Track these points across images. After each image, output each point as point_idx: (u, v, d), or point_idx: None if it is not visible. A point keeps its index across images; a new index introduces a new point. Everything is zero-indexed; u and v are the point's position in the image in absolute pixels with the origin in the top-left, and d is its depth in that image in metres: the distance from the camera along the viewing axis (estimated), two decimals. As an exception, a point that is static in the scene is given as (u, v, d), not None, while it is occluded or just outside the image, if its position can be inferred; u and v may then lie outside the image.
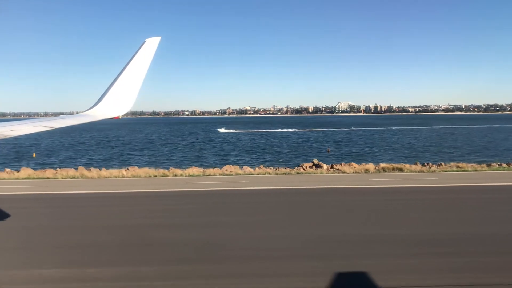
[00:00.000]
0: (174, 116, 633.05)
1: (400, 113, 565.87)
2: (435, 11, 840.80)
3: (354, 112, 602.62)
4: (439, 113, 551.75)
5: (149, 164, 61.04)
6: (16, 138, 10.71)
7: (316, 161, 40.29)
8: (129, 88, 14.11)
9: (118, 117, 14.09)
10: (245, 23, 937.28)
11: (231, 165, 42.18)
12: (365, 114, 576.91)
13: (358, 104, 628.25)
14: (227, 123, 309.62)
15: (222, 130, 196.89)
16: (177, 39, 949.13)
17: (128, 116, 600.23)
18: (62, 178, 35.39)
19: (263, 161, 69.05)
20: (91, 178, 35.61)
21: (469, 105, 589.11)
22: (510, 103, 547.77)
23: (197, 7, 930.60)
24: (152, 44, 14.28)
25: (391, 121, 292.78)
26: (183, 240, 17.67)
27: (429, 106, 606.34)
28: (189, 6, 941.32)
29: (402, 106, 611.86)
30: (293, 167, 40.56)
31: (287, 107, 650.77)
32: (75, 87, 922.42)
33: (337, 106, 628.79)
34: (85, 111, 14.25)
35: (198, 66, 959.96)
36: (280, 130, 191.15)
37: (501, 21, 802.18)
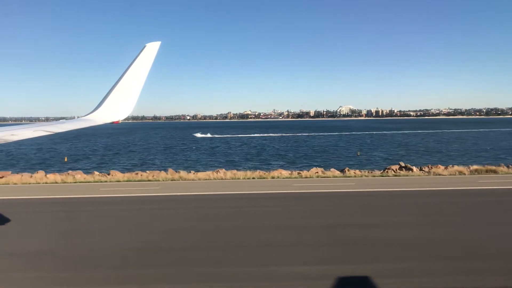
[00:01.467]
0: (176, 121, 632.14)
1: (401, 117, 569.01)
2: (436, 14, 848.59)
3: (355, 116, 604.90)
4: (442, 117, 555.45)
5: (205, 167, 61.56)
6: (16, 142, 10.75)
7: (403, 164, 40.66)
8: (129, 93, 14.17)
9: (118, 121, 14.22)
10: (244, 27, 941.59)
11: (317, 167, 42.30)
12: (367, 118, 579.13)
13: (359, 108, 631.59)
14: (237, 127, 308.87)
15: (198, 135, 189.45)
16: (178, 43, 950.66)
17: (129, 121, 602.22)
18: (164, 180, 35.57)
19: (307, 165, 68.55)
20: (192, 180, 35.78)
21: (469, 109, 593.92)
22: (510, 106, 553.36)
23: (198, 13, 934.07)
24: (152, 48, 14.32)
25: (400, 125, 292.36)
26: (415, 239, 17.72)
27: (429, 110, 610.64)
28: (190, 12, 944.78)
29: (404, 110, 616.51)
30: (380, 170, 40.87)
31: (287, 111, 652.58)
32: (76, 92, 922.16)
33: (338, 110, 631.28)
34: (85, 115, 14.33)
35: (198, 70, 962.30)
36: (294, 134, 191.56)
37: (501, 24, 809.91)
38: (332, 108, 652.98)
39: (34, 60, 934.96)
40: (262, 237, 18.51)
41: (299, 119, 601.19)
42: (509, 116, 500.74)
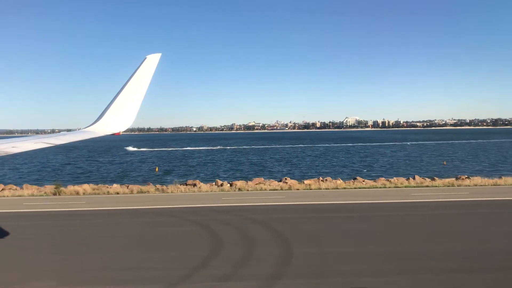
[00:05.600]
0: (182, 132, 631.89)
1: (408, 128, 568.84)
2: (441, 26, 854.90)
3: (361, 127, 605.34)
4: (449, 127, 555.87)
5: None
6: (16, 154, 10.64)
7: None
8: (130, 105, 14.09)
9: (119, 133, 14.11)
10: (248, 38, 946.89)
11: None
12: (373, 129, 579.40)
13: (365, 119, 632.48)
14: (261, 139, 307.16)
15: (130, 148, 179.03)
16: (185, 54, 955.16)
17: (136, 133, 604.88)
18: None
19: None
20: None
21: (473, 119, 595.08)
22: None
23: (200, 24, 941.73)
24: (152, 60, 14.31)
25: (424, 136, 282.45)
26: None
27: (433, 120, 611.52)
28: (192, 23, 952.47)
29: (409, 120, 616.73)
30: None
31: (290, 122, 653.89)
32: (82, 104, 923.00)
33: (344, 121, 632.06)
34: (86, 127, 14.18)
35: (203, 82, 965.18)
36: (315, 145, 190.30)
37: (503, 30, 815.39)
38: (336, 118, 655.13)
39: (40, 72, 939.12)
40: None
41: (305, 130, 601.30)
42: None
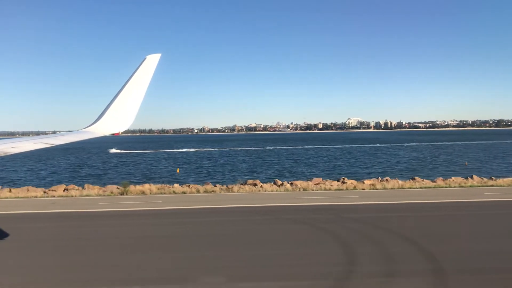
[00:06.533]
0: (184, 134, 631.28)
1: (411, 129, 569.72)
2: (443, 26, 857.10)
3: (364, 128, 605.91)
4: (452, 128, 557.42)
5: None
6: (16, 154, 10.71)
7: None
8: (129, 105, 14.13)
9: (118, 133, 14.22)
10: (250, 40, 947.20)
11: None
12: (376, 130, 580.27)
13: (367, 120, 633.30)
14: (267, 140, 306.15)
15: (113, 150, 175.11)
16: (186, 55, 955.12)
17: (137, 134, 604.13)
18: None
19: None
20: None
21: (475, 121, 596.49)
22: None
23: (202, 25, 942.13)
24: (152, 61, 14.34)
25: (432, 137, 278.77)
26: None
27: (435, 121, 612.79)
28: (192, 25, 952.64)
29: (412, 122, 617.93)
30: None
31: (291, 123, 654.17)
32: (83, 105, 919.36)
33: (347, 122, 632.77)
34: (85, 128, 14.23)
35: (204, 83, 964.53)
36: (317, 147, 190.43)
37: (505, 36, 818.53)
38: (338, 120, 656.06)
39: (41, 73, 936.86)
40: None
41: (307, 131, 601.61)
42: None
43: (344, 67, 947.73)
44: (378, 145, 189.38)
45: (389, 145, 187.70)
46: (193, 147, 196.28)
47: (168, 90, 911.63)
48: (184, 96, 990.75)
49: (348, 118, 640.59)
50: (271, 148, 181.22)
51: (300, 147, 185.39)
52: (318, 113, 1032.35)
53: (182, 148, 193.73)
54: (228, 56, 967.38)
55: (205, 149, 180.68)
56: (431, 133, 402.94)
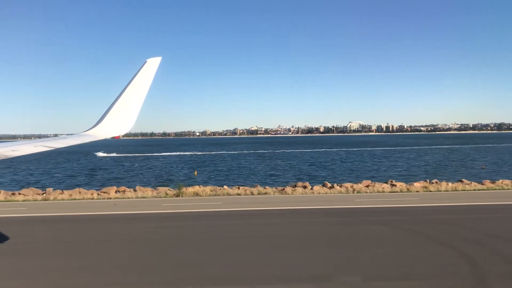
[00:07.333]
0: (185, 137, 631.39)
1: (412, 133, 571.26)
2: (445, 29, 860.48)
3: (365, 132, 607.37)
4: (453, 132, 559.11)
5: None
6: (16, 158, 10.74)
7: None
8: (130, 108, 14.19)
9: (118, 136, 14.29)
10: (251, 42, 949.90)
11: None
12: (377, 133, 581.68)
13: (369, 124, 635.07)
14: (272, 143, 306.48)
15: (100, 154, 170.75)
16: (187, 58, 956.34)
17: (139, 138, 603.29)
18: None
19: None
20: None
21: (477, 124, 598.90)
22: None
23: (202, 29, 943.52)
24: (153, 64, 14.38)
25: (437, 141, 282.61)
26: None
27: (436, 125, 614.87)
28: (193, 28, 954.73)
29: (413, 125, 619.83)
30: None
31: (293, 126, 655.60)
32: (84, 108, 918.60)
33: (348, 126, 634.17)
34: (85, 131, 14.22)
35: (205, 86, 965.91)
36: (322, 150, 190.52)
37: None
38: (339, 123, 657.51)
39: (42, 77, 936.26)
40: None
41: (309, 134, 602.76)
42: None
43: (345, 70, 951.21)
44: (387, 148, 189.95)
45: (399, 148, 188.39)
46: (199, 150, 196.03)
47: (170, 93, 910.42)
48: (186, 99, 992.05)
49: (350, 122, 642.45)
50: (280, 151, 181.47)
51: (310, 150, 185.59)
52: (319, 117, 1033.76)
53: (186, 151, 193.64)
54: (229, 59, 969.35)
55: (213, 152, 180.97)
56: (434, 137, 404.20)
